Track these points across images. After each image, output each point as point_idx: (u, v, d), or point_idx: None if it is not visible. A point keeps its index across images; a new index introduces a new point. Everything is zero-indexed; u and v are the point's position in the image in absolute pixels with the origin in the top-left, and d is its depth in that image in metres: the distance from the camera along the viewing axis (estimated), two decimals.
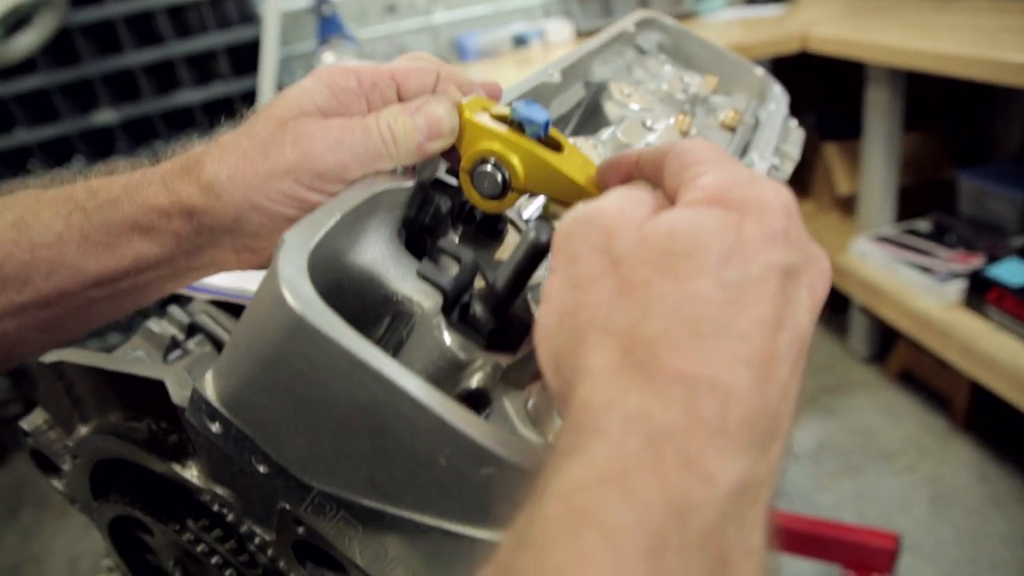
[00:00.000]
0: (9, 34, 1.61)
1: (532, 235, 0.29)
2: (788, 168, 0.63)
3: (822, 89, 2.13)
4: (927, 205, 1.84)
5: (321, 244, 0.31)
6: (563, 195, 0.36)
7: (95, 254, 0.36)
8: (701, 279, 0.23)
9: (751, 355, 0.22)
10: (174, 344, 0.60)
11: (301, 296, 0.27)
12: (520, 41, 2.03)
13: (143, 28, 1.93)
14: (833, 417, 1.76)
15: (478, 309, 0.31)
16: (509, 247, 0.41)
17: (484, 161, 0.36)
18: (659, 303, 0.23)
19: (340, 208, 0.33)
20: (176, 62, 1.95)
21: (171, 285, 0.40)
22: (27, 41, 1.65)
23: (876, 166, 1.76)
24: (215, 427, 0.33)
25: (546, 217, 0.42)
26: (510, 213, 0.39)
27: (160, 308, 0.62)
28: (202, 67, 2.02)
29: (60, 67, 1.86)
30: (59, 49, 1.83)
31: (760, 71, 0.72)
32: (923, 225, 1.77)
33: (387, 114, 0.36)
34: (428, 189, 0.40)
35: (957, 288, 1.53)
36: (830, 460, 1.64)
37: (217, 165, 0.35)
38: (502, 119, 0.37)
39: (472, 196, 0.37)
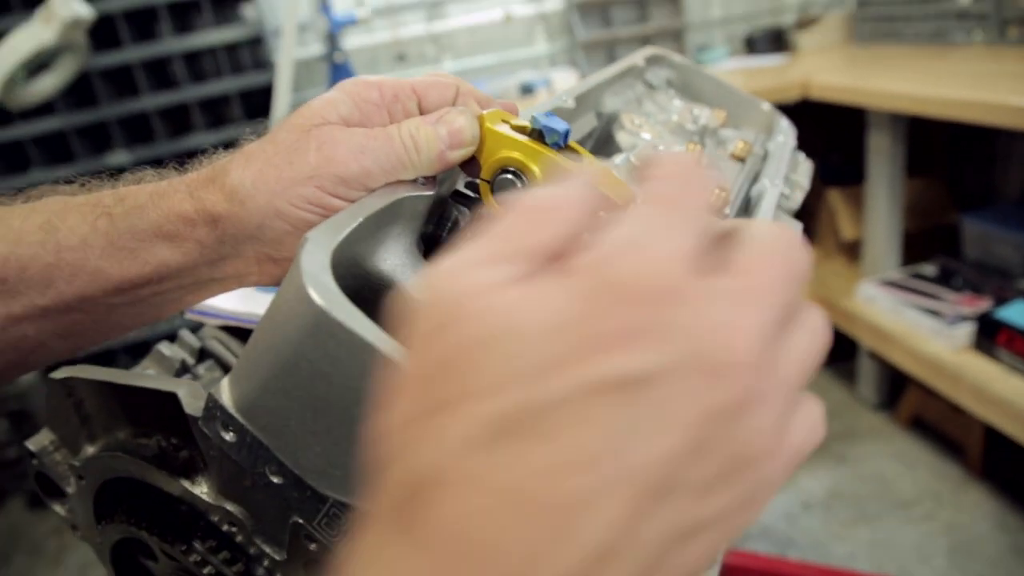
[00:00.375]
0: (31, 76, 1.66)
1: None
2: (799, 197, 0.64)
3: (824, 136, 2.17)
4: (932, 249, 1.85)
5: (343, 246, 0.31)
6: None
7: (118, 260, 0.36)
8: (464, 416, 0.16)
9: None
10: (184, 368, 0.60)
11: (325, 291, 0.27)
12: (527, 90, 2.08)
13: (159, 73, 1.99)
14: (844, 465, 1.72)
15: None
16: None
17: (505, 170, 0.37)
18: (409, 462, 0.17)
19: (363, 211, 0.33)
20: (190, 106, 2.00)
21: (191, 297, 0.40)
22: (48, 84, 1.70)
23: (880, 211, 1.77)
24: (229, 436, 0.32)
25: None
26: None
27: (170, 336, 0.62)
28: (215, 111, 2.07)
29: (78, 109, 1.91)
30: (77, 92, 1.88)
31: (767, 106, 0.73)
32: (929, 269, 1.78)
33: (409, 124, 0.37)
34: (447, 203, 0.40)
35: (966, 331, 1.52)
36: (843, 509, 1.60)
37: (242, 172, 0.35)
38: (522, 130, 0.38)
39: (492, 207, 0.38)
